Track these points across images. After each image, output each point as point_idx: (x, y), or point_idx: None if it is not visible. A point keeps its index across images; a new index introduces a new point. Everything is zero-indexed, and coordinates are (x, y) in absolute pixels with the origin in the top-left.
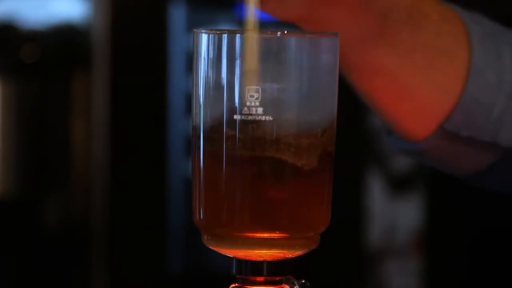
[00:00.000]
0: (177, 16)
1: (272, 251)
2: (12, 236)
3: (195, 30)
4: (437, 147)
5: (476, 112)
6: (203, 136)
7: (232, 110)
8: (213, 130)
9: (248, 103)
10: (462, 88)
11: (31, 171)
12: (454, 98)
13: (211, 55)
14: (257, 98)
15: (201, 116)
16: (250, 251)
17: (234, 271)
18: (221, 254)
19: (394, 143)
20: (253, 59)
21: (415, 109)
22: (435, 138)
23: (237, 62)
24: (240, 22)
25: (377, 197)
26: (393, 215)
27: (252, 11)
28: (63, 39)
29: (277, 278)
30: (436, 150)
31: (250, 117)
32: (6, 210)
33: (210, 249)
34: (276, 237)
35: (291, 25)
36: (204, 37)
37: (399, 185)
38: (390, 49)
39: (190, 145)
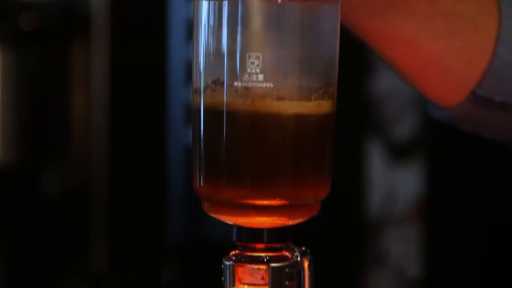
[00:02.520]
0: None
1: (272, 218)
2: (11, 206)
3: None
4: (471, 113)
5: (508, 76)
6: (203, 103)
7: (232, 77)
8: (213, 98)
9: (248, 70)
10: (491, 54)
11: (30, 141)
12: (483, 64)
13: (211, 22)
14: (257, 65)
15: (201, 84)
16: (250, 218)
17: (234, 238)
18: (221, 223)
19: (433, 111)
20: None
21: (442, 77)
22: (468, 105)
23: (238, 29)
24: None
25: (377, 166)
26: (393, 184)
27: None
28: (62, 7)
29: (277, 245)
30: (471, 116)
31: (250, 84)
32: (5, 180)
33: (211, 217)
34: (276, 204)
35: None
36: (204, 4)
37: (399, 153)
38: (407, 18)
39: (190, 113)
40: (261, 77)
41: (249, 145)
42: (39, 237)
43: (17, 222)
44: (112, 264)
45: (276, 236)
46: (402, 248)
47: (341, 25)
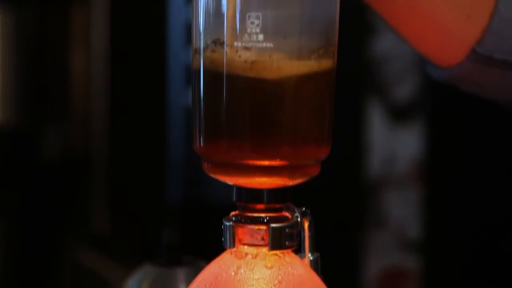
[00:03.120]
0: None
1: (272, 178)
2: (12, 166)
3: None
4: (471, 72)
5: (509, 34)
6: (203, 63)
7: (232, 37)
8: (213, 58)
9: (248, 30)
10: (492, 10)
11: (31, 102)
12: (483, 21)
13: None
14: (257, 25)
15: (201, 44)
16: (251, 178)
17: (234, 198)
18: (221, 184)
19: (433, 71)
20: None
21: (442, 34)
22: (468, 63)
23: None
24: None
25: (377, 127)
26: (393, 145)
27: None
28: None
29: (278, 206)
30: (471, 75)
31: (250, 44)
32: (5, 141)
33: (211, 178)
34: (276, 165)
35: None
36: None
37: (399, 114)
38: None
39: (190, 74)
40: (261, 37)
41: (249, 105)
42: (39, 198)
43: (17, 183)
44: (113, 225)
45: (276, 197)
46: (402, 210)
47: None
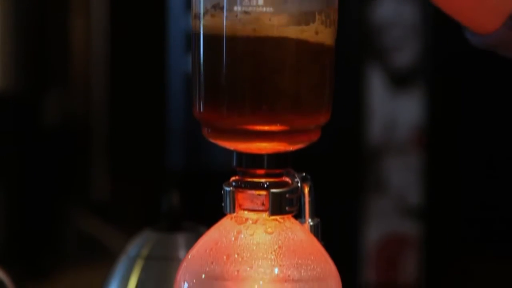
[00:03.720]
0: None
1: (272, 143)
2: (12, 133)
3: None
4: (508, 38)
5: None
6: (202, 28)
7: (232, 2)
8: (213, 23)
9: None
10: None
11: (31, 69)
12: None
13: None
14: None
15: (201, 8)
16: (251, 143)
17: (234, 164)
18: (221, 150)
19: (471, 37)
20: None
21: (480, 3)
22: (505, 30)
23: None
24: None
25: (378, 93)
26: (393, 111)
27: None
28: None
29: (278, 171)
30: (508, 41)
31: (250, 8)
32: (6, 107)
33: (211, 144)
34: (276, 130)
35: None
36: None
37: (399, 81)
38: None
39: (190, 40)
40: (261, 1)
41: (249, 70)
42: (40, 165)
43: (18, 150)
44: (113, 191)
45: (276, 162)
46: (403, 176)
47: None
